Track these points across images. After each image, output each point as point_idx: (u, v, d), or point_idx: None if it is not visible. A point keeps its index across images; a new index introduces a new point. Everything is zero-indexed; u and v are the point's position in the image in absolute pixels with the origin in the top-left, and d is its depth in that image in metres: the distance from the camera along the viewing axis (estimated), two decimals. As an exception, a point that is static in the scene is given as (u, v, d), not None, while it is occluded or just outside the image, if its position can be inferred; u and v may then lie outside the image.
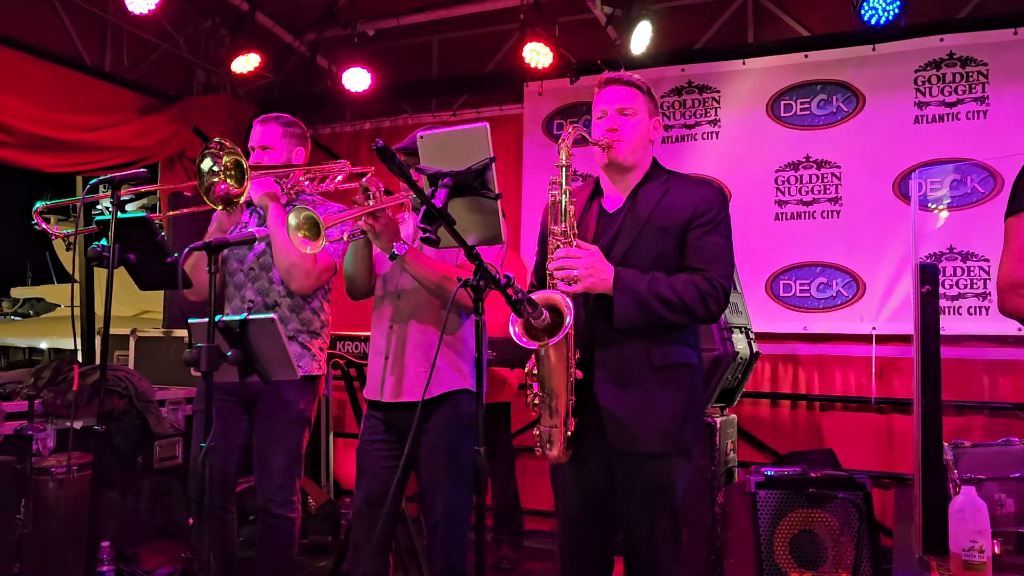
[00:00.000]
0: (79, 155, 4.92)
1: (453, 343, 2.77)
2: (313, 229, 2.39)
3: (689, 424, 2.38)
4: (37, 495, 3.34)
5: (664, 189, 2.41)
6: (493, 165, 2.01)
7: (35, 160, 4.70)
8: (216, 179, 2.66)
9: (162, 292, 5.40)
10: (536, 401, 2.29)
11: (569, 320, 2.09)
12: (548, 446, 2.30)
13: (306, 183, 3.16)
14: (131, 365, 4.86)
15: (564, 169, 2.28)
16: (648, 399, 2.31)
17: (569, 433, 2.29)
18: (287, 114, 3.31)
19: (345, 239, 2.72)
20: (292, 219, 2.41)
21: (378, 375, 2.83)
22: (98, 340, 5.39)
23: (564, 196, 2.28)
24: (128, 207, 2.64)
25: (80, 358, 5.63)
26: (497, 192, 2.04)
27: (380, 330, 2.87)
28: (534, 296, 2.11)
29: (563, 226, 2.28)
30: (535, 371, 2.28)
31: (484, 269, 2.01)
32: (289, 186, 3.13)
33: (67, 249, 17.05)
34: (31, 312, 17.79)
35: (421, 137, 2.09)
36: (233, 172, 2.65)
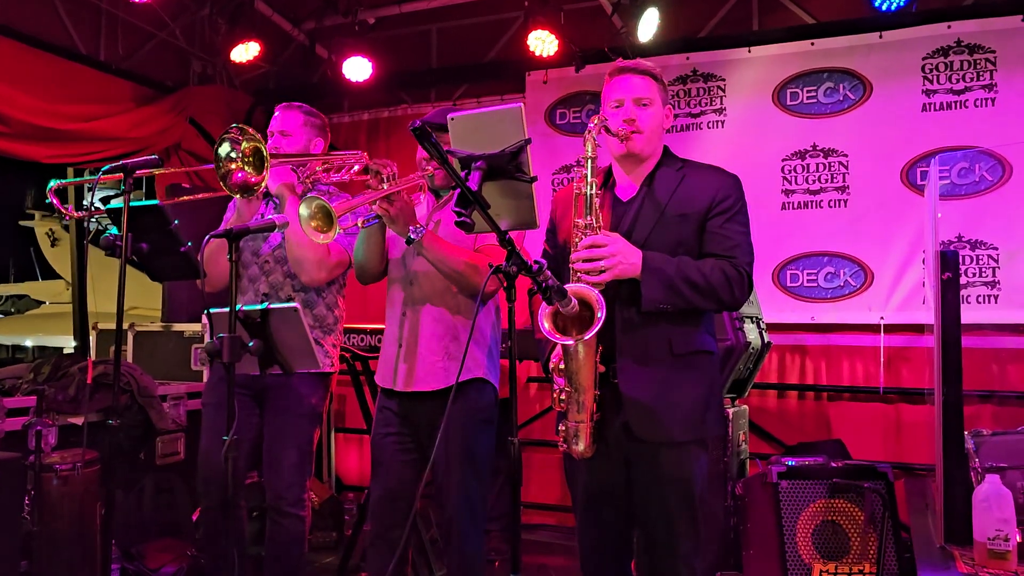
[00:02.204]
0: (74, 146, 4.81)
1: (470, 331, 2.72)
2: (326, 218, 2.33)
3: (710, 412, 2.36)
4: (41, 492, 3.25)
5: (680, 176, 2.40)
6: (528, 148, 1.95)
7: (30, 151, 4.59)
8: (233, 165, 2.59)
9: (158, 285, 5.30)
10: (563, 397, 2.24)
11: (601, 315, 2.04)
12: (575, 442, 2.25)
13: (321, 173, 3.11)
14: (129, 360, 4.77)
15: (591, 161, 2.24)
16: (671, 386, 2.29)
17: (593, 427, 2.24)
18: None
19: (360, 225, 2.65)
20: (304, 209, 2.35)
21: (391, 362, 2.78)
22: (93, 335, 5.29)
23: (590, 188, 2.23)
24: (115, 200, 2.54)
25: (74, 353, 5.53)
26: (532, 175, 1.98)
27: (393, 316, 2.81)
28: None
29: (589, 219, 2.25)
30: (562, 366, 2.22)
31: (517, 255, 1.95)
32: (305, 175, 3.07)
33: (52, 245, 16.85)
34: (14, 309, 17.55)
35: (451, 119, 2.03)
36: (251, 159, 2.58)
